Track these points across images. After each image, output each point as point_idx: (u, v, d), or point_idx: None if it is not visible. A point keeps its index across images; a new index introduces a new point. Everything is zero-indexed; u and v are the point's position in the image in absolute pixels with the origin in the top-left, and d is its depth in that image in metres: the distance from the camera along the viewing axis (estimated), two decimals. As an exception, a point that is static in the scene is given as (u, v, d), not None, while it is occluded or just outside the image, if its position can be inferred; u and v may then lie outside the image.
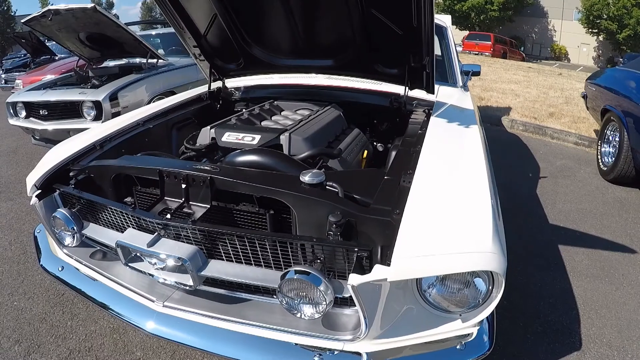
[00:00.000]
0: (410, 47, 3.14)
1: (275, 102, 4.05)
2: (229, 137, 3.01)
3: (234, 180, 2.31)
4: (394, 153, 3.17)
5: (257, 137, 2.95)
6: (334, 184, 2.29)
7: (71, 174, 2.81)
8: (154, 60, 8.34)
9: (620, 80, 7.38)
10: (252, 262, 2.22)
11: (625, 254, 4.84)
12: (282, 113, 3.87)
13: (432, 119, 3.40)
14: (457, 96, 4.37)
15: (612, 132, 7.34)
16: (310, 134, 3.02)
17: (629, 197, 6.44)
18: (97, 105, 6.73)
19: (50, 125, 7.04)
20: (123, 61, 8.96)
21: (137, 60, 8.63)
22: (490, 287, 1.94)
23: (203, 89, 4.48)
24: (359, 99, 4.10)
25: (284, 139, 2.92)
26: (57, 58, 12.86)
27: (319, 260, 2.02)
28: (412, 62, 3.28)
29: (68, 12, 6.72)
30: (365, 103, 4.07)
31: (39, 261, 2.93)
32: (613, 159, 7.09)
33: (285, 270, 2.00)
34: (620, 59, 31.94)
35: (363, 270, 1.94)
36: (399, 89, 3.70)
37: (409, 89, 3.54)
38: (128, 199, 2.77)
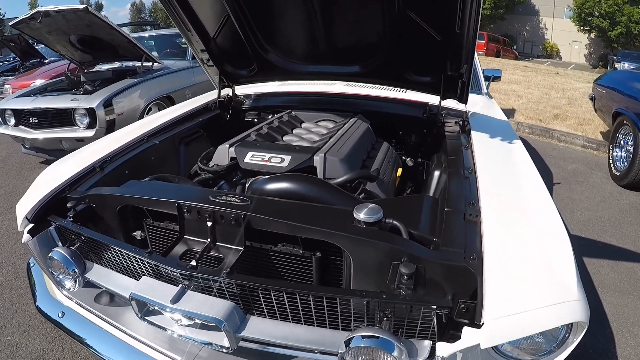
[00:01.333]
0: (449, 54, 2.88)
1: (293, 113, 3.70)
2: (254, 159, 2.64)
3: (274, 219, 1.94)
4: (437, 173, 2.94)
5: (287, 158, 2.59)
6: (393, 222, 1.94)
7: (69, 204, 2.38)
8: (149, 64, 8.01)
9: (634, 84, 7.18)
10: (302, 320, 1.84)
11: None
12: (303, 125, 3.54)
13: (474, 134, 3.13)
14: (484, 104, 4.10)
15: (624, 136, 7.17)
16: (345, 153, 2.67)
17: None
18: (90, 112, 6.39)
19: (41, 134, 6.65)
20: (116, 65, 8.60)
21: (131, 63, 8.29)
22: (567, 335, 1.69)
23: (209, 96, 4.14)
24: (383, 108, 3.79)
25: (317, 160, 2.57)
26: (46, 61, 12.50)
27: (386, 319, 1.68)
28: (448, 70, 3.01)
29: (58, 14, 6.38)
30: (391, 113, 3.75)
31: (35, 302, 2.53)
32: (626, 164, 6.94)
33: (350, 336, 1.64)
34: (614, 57, 32.22)
35: (442, 330, 1.66)
36: (427, 98, 3.44)
37: (441, 98, 3.25)
38: (137, 233, 2.41)
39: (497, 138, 3.08)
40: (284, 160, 2.59)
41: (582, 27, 46.01)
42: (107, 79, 7.46)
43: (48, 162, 6.87)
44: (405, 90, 3.65)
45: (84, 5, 6.34)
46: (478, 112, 3.67)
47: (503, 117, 3.85)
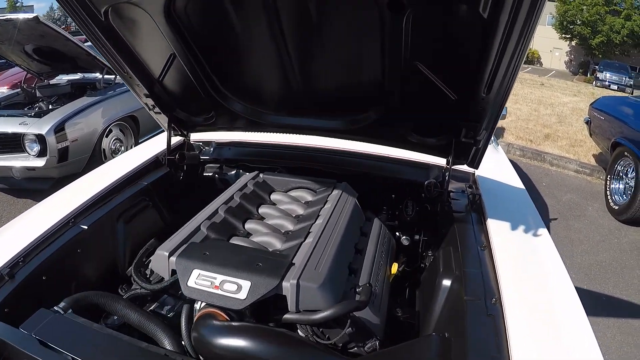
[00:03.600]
0: (466, 118, 2.35)
1: (261, 176, 3.01)
2: (200, 282, 1.89)
3: None
4: (442, 261, 2.41)
5: (245, 285, 1.87)
6: None
7: None
8: (111, 77, 7.24)
9: (637, 113, 6.82)
10: None
11: None
12: (273, 197, 2.85)
13: (488, 212, 2.63)
14: (493, 159, 3.50)
15: (624, 168, 6.86)
16: (326, 273, 1.96)
17: None
18: (40, 139, 5.76)
19: (-13, 162, 5.94)
20: (77, 76, 7.87)
21: (93, 76, 7.58)
22: None
23: (162, 141, 3.35)
24: (375, 169, 3.19)
25: (288, 288, 1.88)
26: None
27: None
28: (462, 137, 2.46)
29: (8, 23, 5.75)
30: (384, 176, 3.17)
31: None
32: (625, 197, 6.70)
33: None
34: (596, 66, 32.50)
35: None
36: (429, 158, 2.90)
37: (449, 165, 2.71)
38: None
39: (513, 214, 2.63)
40: (240, 289, 1.90)
41: (563, 35, 46.16)
42: (65, 94, 6.87)
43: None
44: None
45: (35, 15, 5.65)
46: (487, 176, 3.10)
47: (517, 180, 3.30)
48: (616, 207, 6.73)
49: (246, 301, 1.81)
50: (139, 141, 7.08)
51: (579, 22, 43.92)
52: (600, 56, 42.13)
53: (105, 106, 6.70)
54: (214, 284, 1.86)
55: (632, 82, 30.69)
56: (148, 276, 2.27)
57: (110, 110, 6.73)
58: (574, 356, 1.68)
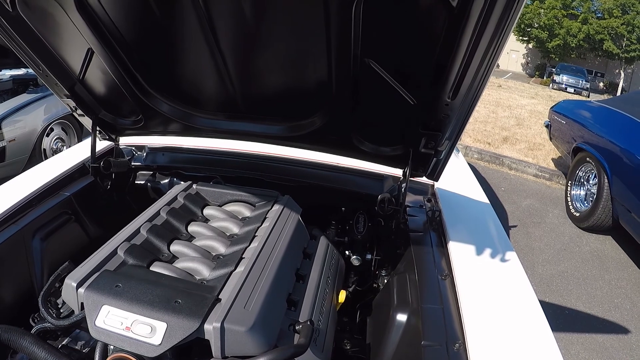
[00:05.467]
0: (426, 126, 2.11)
1: (194, 187, 2.66)
2: (109, 322, 1.59)
3: None
4: (395, 285, 2.19)
5: (160, 328, 1.57)
6: None
7: None
8: None
9: (601, 120, 6.75)
10: None
11: (618, 335, 4.57)
12: (206, 212, 2.51)
13: (449, 231, 2.40)
14: (454, 166, 3.27)
15: (585, 174, 6.77)
16: (257, 310, 1.67)
17: (605, 250, 6.12)
18: (-27, 141, 5.31)
19: None
20: (21, 71, 7.44)
21: None
22: None
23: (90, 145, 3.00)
24: (321, 179, 2.92)
25: (211, 332, 1.57)
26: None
27: None
28: (421, 147, 2.22)
29: None
30: (332, 188, 2.89)
31: None
32: (587, 204, 6.62)
33: None
34: (553, 69, 33.23)
35: None
36: (384, 168, 2.66)
37: (406, 177, 2.47)
38: None
39: (477, 235, 2.43)
40: (155, 332, 1.59)
41: (521, 37, 46.96)
42: (6, 91, 6.44)
43: None
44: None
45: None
46: (449, 187, 2.87)
47: (480, 193, 3.08)
48: (577, 214, 6.63)
49: (161, 347, 1.52)
50: (83, 139, 6.73)
51: (536, 26, 45.15)
52: (557, 59, 43.46)
53: (47, 103, 6.33)
54: (125, 325, 1.55)
55: (588, 86, 31.40)
56: (60, 306, 1.96)
57: (51, 107, 6.37)
58: None
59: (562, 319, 4.68)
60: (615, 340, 4.48)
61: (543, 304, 1.90)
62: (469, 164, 3.67)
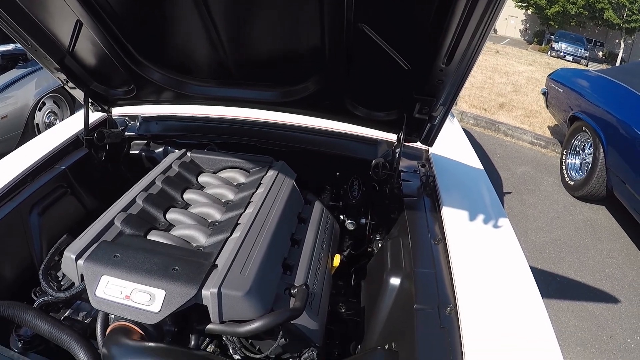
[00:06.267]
0: (420, 91, 2.10)
1: (188, 155, 2.65)
2: (109, 291, 1.62)
3: None
4: (390, 247, 2.22)
5: (159, 295, 1.60)
6: None
7: None
8: None
9: (599, 90, 6.69)
10: None
11: (609, 305, 4.63)
12: (201, 179, 2.50)
13: (442, 197, 2.41)
14: (448, 132, 3.26)
15: (581, 144, 6.75)
16: (254, 275, 1.69)
17: (598, 219, 6.14)
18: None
19: None
20: (9, 47, 7.32)
21: None
22: None
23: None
24: (316, 144, 2.91)
25: (208, 297, 1.60)
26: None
27: None
28: (415, 112, 2.22)
29: None
30: (326, 153, 2.88)
31: None
32: (581, 174, 6.62)
33: None
34: (552, 37, 32.96)
35: None
36: (378, 133, 2.67)
37: (400, 142, 2.48)
38: None
39: (471, 201, 2.43)
40: (154, 300, 1.60)
41: (519, 3, 46.50)
42: (-4, 65, 6.31)
43: None
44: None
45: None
46: (443, 153, 2.89)
47: (473, 154, 3.11)
48: (572, 183, 6.64)
49: (160, 314, 1.54)
50: (75, 112, 6.68)
51: (535, -9, 44.48)
52: (556, 26, 42.91)
53: (37, 78, 6.23)
54: (125, 294, 1.57)
55: (587, 54, 31.20)
56: (61, 279, 1.98)
57: (42, 81, 6.27)
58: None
59: (553, 286, 4.72)
60: (605, 309, 4.51)
61: (535, 270, 1.92)
62: (464, 130, 3.65)
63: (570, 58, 29.56)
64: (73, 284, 1.84)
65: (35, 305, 1.88)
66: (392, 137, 2.64)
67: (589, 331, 4.19)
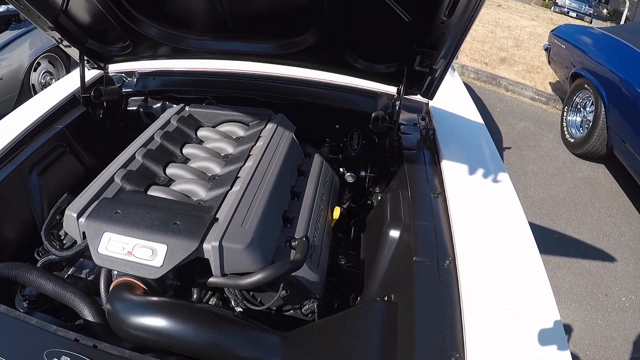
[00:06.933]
0: (421, 43, 2.08)
1: (187, 109, 2.63)
2: (111, 248, 1.62)
3: None
4: (389, 201, 2.21)
5: (161, 250, 1.61)
6: None
7: None
8: None
9: (602, 48, 6.58)
10: None
11: (604, 263, 4.66)
12: (200, 134, 2.48)
13: (442, 150, 2.39)
14: (449, 85, 3.25)
15: (582, 101, 6.68)
16: (254, 228, 1.69)
17: (598, 177, 6.12)
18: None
19: None
20: (1, 8, 7.15)
21: None
22: None
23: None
24: (315, 97, 2.86)
25: (210, 251, 1.60)
26: None
27: None
28: (416, 65, 2.18)
29: None
30: (325, 105, 2.84)
31: None
32: (582, 131, 6.57)
33: None
34: None
35: None
36: (377, 85, 2.63)
37: (400, 95, 2.45)
38: None
39: (471, 155, 2.40)
40: (155, 255, 1.60)
41: (524, -44, 45.70)
42: (-12, 28, 6.18)
43: None
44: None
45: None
46: (443, 106, 2.87)
47: (473, 108, 3.07)
48: (572, 140, 6.60)
49: (163, 269, 1.56)
50: (71, 71, 6.61)
51: (540, -56, 43.69)
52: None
53: (31, 38, 6.12)
54: (127, 250, 1.57)
55: (591, 11, 30.71)
56: (63, 238, 2.00)
57: (36, 42, 6.16)
58: (532, 327, 1.55)
59: (550, 242, 4.75)
60: (601, 267, 4.54)
61: (533, 226, 1.91)
62: (464, 84, 3.61)
63: (574, 14, 29.12)
64: (75, 242, 1.86)
65: (38, 265, 1.90)
66: (392, 89, 2.60)
67: (584, 288, 4.23)
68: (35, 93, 6.12)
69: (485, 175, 2.24)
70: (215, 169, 2.10)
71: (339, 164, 2.78)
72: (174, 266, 1.55)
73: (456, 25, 1.79)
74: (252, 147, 2.20)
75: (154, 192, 1.90)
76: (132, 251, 1.57)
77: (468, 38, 1.86)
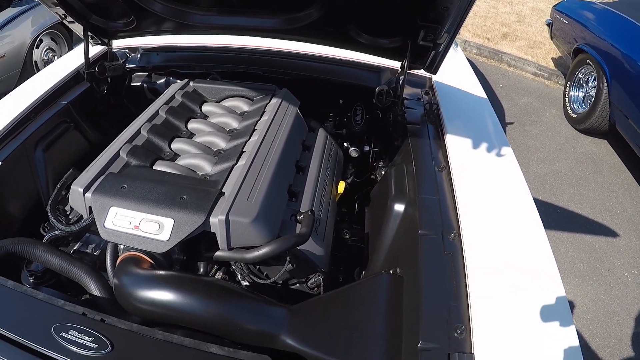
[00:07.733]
0: (425, 18, 2.08)
1: (191, 85, 2.62)
2: (118, 222, 1.63)
3: None
4: (393, 175, 2.22)
5: (167, 224, 1.61)
6: None
7: None
8: None
9: (605, 23, 6.49)
10: None
11: (607, 238, 4.68)
12: (204, 109, 2.47)
13: (446, 124, 2.40)
14: (452, 61, 3.21)
15: (585, 76, 6.63)
16: (260, 202, 1.70)
17: (600, 153, 6.08)
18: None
19: None
20: None
21: None
22: None
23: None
24: (319, 72, 2.86)
25: (216, 224, 1.61)
26: None
27: None
28: (420, 39, 2.18)
29: None
30: (329, 80, 2.83)
31: None
32: (584, 107, 6.53)
33: None
34: None
35: None
36: (381, 60, 2.65)
37: (404, 69, 2.45)
38: None
39: (475, 130, 2.41)
40: (162, 229, 1.60)
41: None
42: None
43: None
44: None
45: None
46: (447, 81, 2.86)
47: (477, 83, 3.07)
48: (574, 115, 6.56)
49: (169, 242, 1.56)
50: (74, 47, 6.61)
51: None
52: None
53: (33, 15, 6.08)
54: (134, 224, 1.58)
55: (594, -14, 30.31)
56: (69, 213, 2.01)
57: (38, 18, 6.13)
58: (536, 299, 1.55)
59: (553, 217, 4.75)
60: (604, 242, 4.57)
61: (536, 201, 1.91)
62: (467, 59, 3.60)
63: (576, -11, 28.90)
64: (81, 217, 1.87)
65: (44, 240, 1.90)
66: (395, 64, 2.59)
67: (587, 263, 4.27)
68: (38, 70, 6.08)
69: (489, 150, 2.24)
70: (221, 143, 2.09)
71: (342, 138, 2.77)
72: (180, 240, 1.55)
73: None
74: (257, 121, 2.19)
75: (159, 166, 1.90)
76: (138, 225, 1.57)
77: (470, 13, 1.85)
